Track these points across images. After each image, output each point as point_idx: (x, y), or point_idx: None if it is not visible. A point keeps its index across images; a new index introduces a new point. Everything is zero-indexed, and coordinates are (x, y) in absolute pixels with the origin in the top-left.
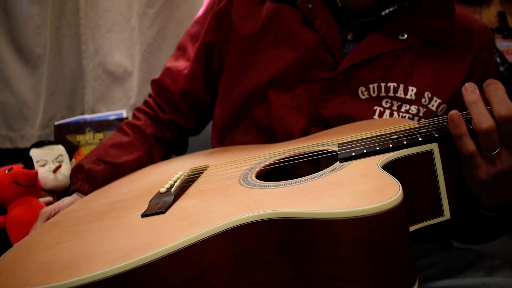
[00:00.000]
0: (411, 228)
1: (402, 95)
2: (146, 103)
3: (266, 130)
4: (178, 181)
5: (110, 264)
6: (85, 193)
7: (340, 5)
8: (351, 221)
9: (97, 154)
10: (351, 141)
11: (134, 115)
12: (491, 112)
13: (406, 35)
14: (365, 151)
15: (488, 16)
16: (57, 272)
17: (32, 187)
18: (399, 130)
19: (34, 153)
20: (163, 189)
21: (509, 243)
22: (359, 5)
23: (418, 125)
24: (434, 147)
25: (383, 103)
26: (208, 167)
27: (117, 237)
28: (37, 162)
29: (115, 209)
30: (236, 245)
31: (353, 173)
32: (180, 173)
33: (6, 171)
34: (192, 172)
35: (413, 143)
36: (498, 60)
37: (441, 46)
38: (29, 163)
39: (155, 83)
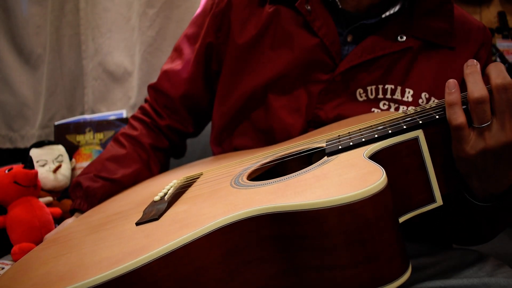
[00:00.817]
0: (405, 217)
1: (400, 97)
2: (142, 109)
3: (264, 132)
4: (172, 189)
5: (104, 270)
6: (84, 211)
7: (340, 6)
8: (336, 209)
9: (95, 169)
10: (338, 136)
11: (130, 124)
12: (490, 89)
13: (405, 37)
14: (351, 143)
15: (488, 16)
16: (54, 283)
17: (32, 187)
18: (385, 121)
19: (34, 153)
20: (157, 198)
21: (509, 243)
22: (362, 5)
23: (403, 115)
24: (419, 133)
25: (381, 105)
26: (201, 174)
27: (111, 246)
28: (37, 162)
29: (111, 221)
30: (227, 243)
31: (339, 164)
32: (174, 181)
33: (6, 171)
34: (186, 180)
35: (397, 131)
36: (498, 60)
37: (440, 47)
38: (29, 163)
39: (152, 88)
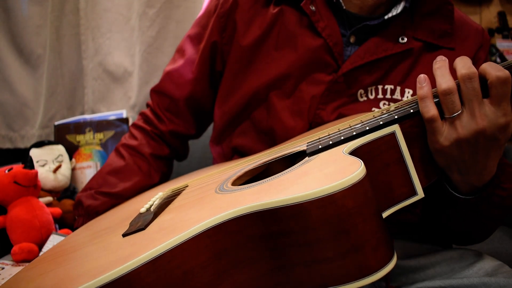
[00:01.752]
0: (388, 212)
1: (399, 97)
2: (143, 115)
3: (265, 132)
4: (158, 200)
5: (91, 279)
6: None
7: (344, 7)
8: (317, 201)
9: (96, 185)
10: (319, 138)
11: (130, 133)
12: (457, 82)
13: (406, 39)
14: (330, 142)
15: (488, 16)
16: None
17: (32, 187)
18: (363, 119)
19: (34, 153)
20: (143, 209)
21: (509, 243)
22: (367, 5)
23: (381, 113)
24: (395, 128)
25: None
26: (187, 186)
27: (98, 257)
28: (37, 162)
29: (98, 236)
30: (214, 246)
31: (319, 162)
32: (160, 194)
33: (6, 171)
34: (171, 191)
35: (375, 127)
36: (498, 60)
37: (441, 48)
38: (29, 163)
39: (154, 92)
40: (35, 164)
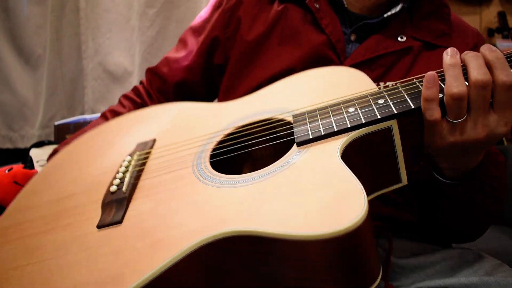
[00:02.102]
0: (372, 196)
1: None
2: (135, 89)
3: None
4: (128, 174)
5: None
6: None
7: (346, 6)
8: (317, 242)
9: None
10: (305, 113)
11: (120, 102)
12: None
13: (405, 38)
14: (323, 132)
15: (488, 16)
16: None
17: None
18: (355, 97)
19: (34, 153)
20: (113, 188)
21: (509, 242)
22: (366, 5)
23: (375, 93)
24: (393, 123)
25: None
26: (155, 141)
27: (78, 263)
28: (37, 162)
29: (67, 212)
30: (205, 261)
31: (314, 169)
32: (128, 158)
33: (6, 171)
34: (139, 156)
35: (372, 121)
36: None
37: (439, 47)
38: (29, 163)
39: (150, 71)
40: (35, 164)
